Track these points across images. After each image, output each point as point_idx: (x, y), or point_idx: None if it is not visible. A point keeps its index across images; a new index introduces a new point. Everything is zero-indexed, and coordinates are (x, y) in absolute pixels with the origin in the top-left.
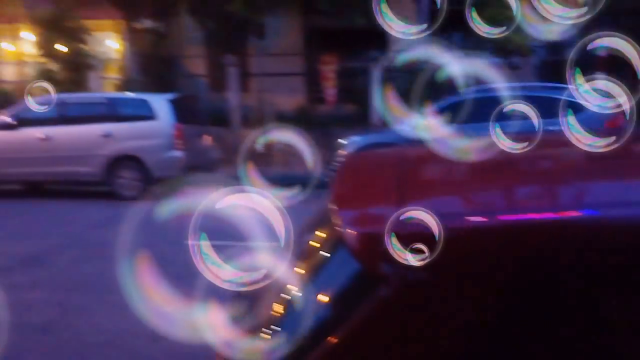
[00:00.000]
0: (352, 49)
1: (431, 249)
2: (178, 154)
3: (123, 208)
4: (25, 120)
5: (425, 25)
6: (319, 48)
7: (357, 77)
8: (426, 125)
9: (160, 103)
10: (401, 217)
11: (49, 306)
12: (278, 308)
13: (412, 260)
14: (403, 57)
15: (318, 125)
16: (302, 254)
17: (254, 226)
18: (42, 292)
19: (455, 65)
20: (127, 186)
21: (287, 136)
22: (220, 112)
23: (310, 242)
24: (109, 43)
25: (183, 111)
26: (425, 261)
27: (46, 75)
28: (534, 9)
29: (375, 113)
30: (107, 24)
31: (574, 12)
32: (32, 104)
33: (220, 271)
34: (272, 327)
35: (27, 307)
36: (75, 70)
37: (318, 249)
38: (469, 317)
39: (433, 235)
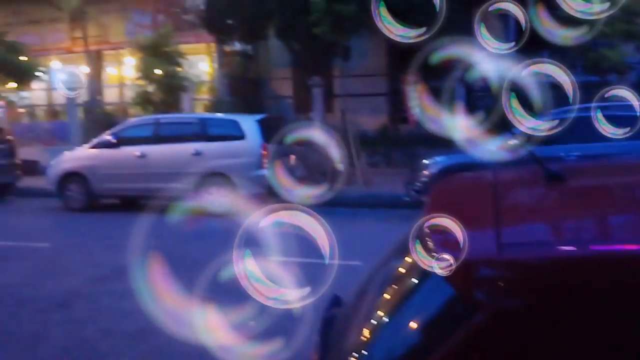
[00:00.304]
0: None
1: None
2: (266, 172)
3: (211, 223)
4: (125, 139)
5: (423, 29)
6: (403, 68)
7: (441, 97)
8: (507, 145)
9: (249, 123)
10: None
11: (141, 314)
12: (366, 333)
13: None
14: (488, 78)
15: (401, 145)
16: (390, 279)
17: (301, 243)
18: (135, 301)
19: (540, 85)
20: (215, 203)
21: (314, 134)
22: None
23: (399, 267)
24: (201, 66)
25: (270, 131)
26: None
27: (144, 97)
28: (550, 10)
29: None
30: (199, 47)
31: (596, 8)
32: (64, 91)
33: (265, 288)
34: (362, 351)
35: (122, 314)
36: (169, 92)
37: (407, 274)
38: (563, 346)
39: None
